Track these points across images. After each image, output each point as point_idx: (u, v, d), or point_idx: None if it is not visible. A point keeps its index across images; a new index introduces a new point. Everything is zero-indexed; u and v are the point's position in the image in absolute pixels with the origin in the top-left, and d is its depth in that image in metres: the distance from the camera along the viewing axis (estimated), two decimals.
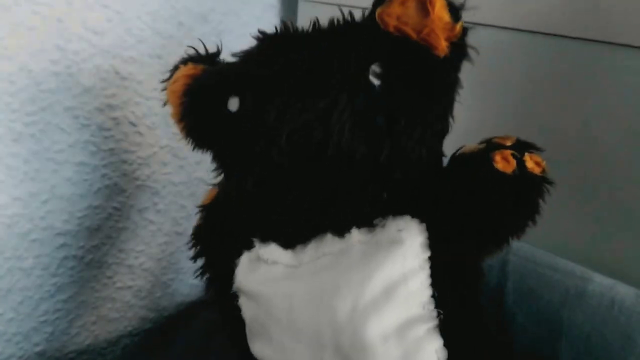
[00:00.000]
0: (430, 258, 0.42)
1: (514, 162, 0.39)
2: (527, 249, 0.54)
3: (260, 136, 0.42)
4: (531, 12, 0.56)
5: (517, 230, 0.42)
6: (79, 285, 0.70)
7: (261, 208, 0.47)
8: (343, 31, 0.43)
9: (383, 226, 0.43)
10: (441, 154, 0.45)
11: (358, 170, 0.42)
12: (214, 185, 0.54)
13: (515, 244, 0.55)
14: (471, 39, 0.42)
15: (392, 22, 0.40)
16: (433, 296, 0.42)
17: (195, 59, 0.51)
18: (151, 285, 0.78)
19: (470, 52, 0.42)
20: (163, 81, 0.51)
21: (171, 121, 0.52)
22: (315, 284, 0.44)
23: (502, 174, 0.40)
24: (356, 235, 0.44)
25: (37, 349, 0.68)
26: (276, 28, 0.45)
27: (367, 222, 0.44)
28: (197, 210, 0.55)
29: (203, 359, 0.66)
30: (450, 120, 0.44)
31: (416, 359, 0.41)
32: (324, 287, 0.43)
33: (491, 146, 0.41)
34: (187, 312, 0.81)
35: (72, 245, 0.67)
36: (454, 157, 0.44)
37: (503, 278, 0.53)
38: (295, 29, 0.45)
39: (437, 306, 0.42)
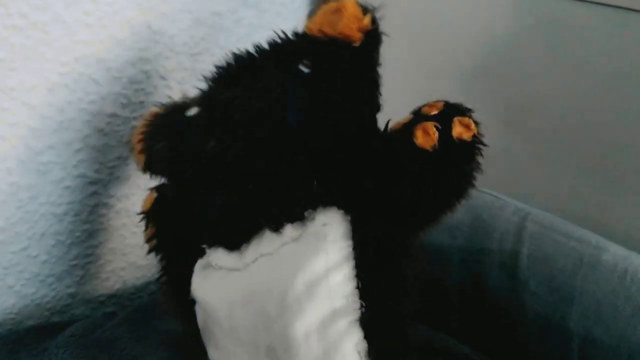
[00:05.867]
0: (354, 248, 0.42)
1: (435, 135, 0.39)
2: (544, 216, 0.54)
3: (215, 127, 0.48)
4: None
5: (445, 204, 0.42)
6: (109, 232, 0.72)
7: (203, 208, 0.50)
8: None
9: (313, 219, 0.44)
10: (375, 132, 0.45)
11: (292, 158, 0.45)
12: (152, 189, 0.57)
13: (534, 211, 0.55)
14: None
15: (315, 29, 0.46)
16: (358, 287, 0.41)
17: None
18: None
19: None
20: None
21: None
22: (251, 288, 0.45)
23: (421, 151, 0.40)
24: (289, 231, 0.45)
25: (69, 290, 0.71)
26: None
27: (299, 215, 0.45)
28: None
29: None
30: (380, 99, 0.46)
31: (336, 354, 0.41)
32: (258, 290, 0.45)
33: (416, 118, 0.41)
34: None
35: (102, 193, 0.70)
36: (382, 135, 0.44)
37: (518, 243, 0.53)
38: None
39: (361, 297, 0.41)
